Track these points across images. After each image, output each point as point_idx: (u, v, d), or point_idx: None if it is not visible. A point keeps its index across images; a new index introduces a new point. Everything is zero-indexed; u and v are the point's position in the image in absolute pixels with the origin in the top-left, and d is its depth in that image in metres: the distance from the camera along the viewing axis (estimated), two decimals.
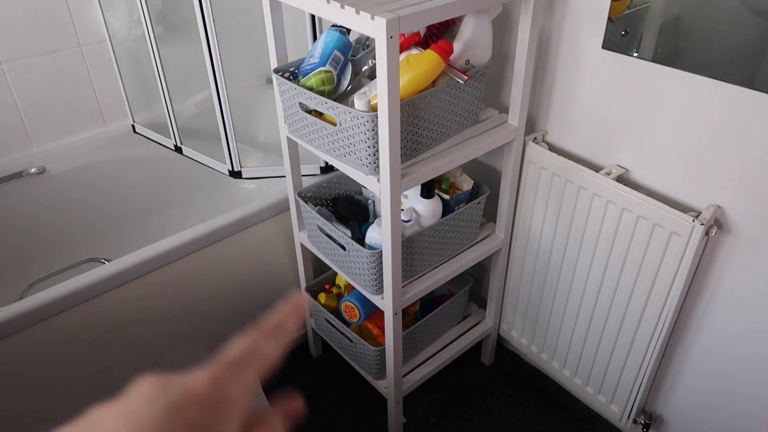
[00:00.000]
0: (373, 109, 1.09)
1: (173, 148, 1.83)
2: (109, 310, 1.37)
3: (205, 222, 1.49)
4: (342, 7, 1.02)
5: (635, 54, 1.17)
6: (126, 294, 1.38)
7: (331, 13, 1.05)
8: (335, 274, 1.68)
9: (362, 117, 1.08)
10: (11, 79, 1.70)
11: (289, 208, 1.60)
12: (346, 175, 1.53)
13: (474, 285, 1.77)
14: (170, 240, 1.43)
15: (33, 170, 1.77)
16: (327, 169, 1.66)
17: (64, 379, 1.35)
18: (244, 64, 1.98)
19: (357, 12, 1.00)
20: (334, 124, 1.16)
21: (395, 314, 1.32)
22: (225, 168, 1.69)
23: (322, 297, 1.60)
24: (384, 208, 1.17)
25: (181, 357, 1.56)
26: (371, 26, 0.98)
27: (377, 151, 1.12)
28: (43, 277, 1.69)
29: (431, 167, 1.19)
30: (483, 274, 1.79)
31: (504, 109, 1.43)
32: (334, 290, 1.64)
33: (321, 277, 1.67)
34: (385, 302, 1.32)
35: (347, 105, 1.12)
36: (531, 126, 1.45)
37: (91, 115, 1.88)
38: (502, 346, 1.84)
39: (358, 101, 1.08)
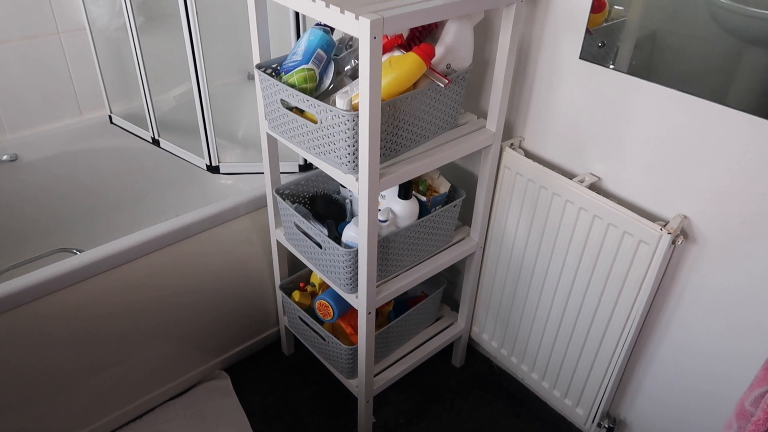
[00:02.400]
0: (354, 108, 1.10)
1: (150, 140, 1.81)
2: (80, 302, 1.35)
3: (180, 216, 1.48)
4: (327, 6, 1.03)
5: (611, 65, 1.21)
6: (97, 286, 1.36)
7: (315, 11, 1.06)
8: (310, 272, 1.68)
9: (343, 116, 1.09)
10: None
11: (265, 205, 1.60)
12: (325, 174, 1.54)
13: (448, 287, 1.79)
14: (144, 233, 1.41)
15: (5, 157, 1.74)
16: (306, 167, 1.66)
17: (30, 371, 1.33)
18: (226, 59, 1.98)
19: (341, 11, 1.01)
20: (315, 122, 1.17)
21: (369, 313, 1.33)
22: (203, 162, 1.68)
23: (296, 295, 1.60)
24: (361, 208, 1.18)
25: (151, 352, 1.55)
26: (355, 26, 0.99)
27: (356, 150, 1.13)
28: (12, 266, 1.66)
29: (409, 168, 1.21)
30: (457, 277, 1.81)
31: (483, 115, 1.45)
32: (309, 288, 1.64)
33: (296, 275, 1.67)
34: (359, 301, 1.33)
35: (329, 103, 1.13)
36: (508, 132, 1.48)
37: (67, 103, 1.86)
38: (473, 349, 1.86)
39: (340, 100, 1.09)
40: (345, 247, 1.29)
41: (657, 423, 1.44)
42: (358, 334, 1.39)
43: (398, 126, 1.18)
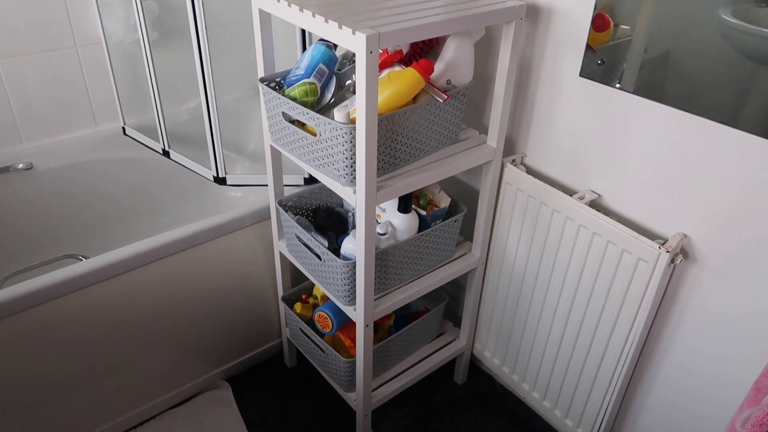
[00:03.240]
0: (353, 121, 1.12)
1: (161, 152, 1.85)
2: (84, 308, 1.38)
3: (186, 225, 1.50)
4: (326, 21, 1.05)
5: (616, 84, 1.21)
6: (101, 292, 1.39)
7: (315, 26, 1.09)
8: (313, 284, 1.69)
9: (341, 129, 1.11)
10: (5, 75, 1.72)
11: (270, 217, 1.62)
12: (328, 187, 1.56)
13: (450, 303, 1.78)
14: (149, 241, 1.44)
15: (20, 166, 1.78)
16: (311, 180, 1.68)
17: (30, 376, 1.35)
18: (237, 74, 2.01)
19: (339, 27, 1.03)
20: (315, 135, 1.19)
21: (366, 326, 1.34)
22: (210, 174, 1.71)
23: (297, 306, 1.61)
24: (359, 220, 1.19)
25: (153, 360, 1.57)
26: (352, 41, 1.01)
27: (354, 163, 1.14)
28: (20, 271, 1.70)
29: (407, 182, 1.22)
30: (460, 293, 1.81)
31: (485, 131, 1.46)
32: (311, 300, 1.65)
33: (299, 287, 1.68)
34: (357, 314, 1.33)
35: (328, 117, 1.15)
36: (510, 148, 1.48)
37: (83, 115, 1.91)
38: (476, 366, 1.85)
39: (338, 113, 1.11)
40: (343, 259, 1.30)
41: None
42: (357, 346, 1.39)
43: (397, 140, 1.20)
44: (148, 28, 1.69)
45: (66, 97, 1.85)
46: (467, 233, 1.56)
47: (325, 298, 1.63)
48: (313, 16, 1.08)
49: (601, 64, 1.22)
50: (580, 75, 1.26)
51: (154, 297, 1.49)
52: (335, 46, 1.30)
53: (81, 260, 1.39)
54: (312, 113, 1.16)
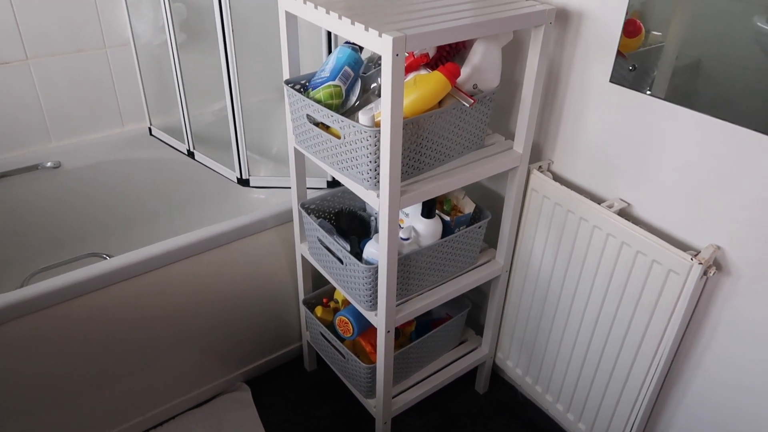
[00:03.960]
0: (377, 124, 1.10)
1: (186, 152, 1.86)
2: (107, 306, 1.38)
3: (209, 226, 1.51)
4: (352, 23, 1.04)
5: (646, 91, 1.17)
6: (124, 291, 1.39)
7: (342, 28, 1.08)
8: (334, 288, 1.68)
9: (365, 131, 1.09)
10: (36, 75, 1.75)
11: (292, 219, 1.62)
12: (351, 190, 1.55)
13: (473, 311, 1.76)
14: (172, 241, 1.44)
15: (49, 164, 1.81)
16: (334, 183, 1.67)
17: (55, 373, 1.36)
18: (263, 77, 2.02)
19: (366, 29, 1.02)
20: (339, 138, 1.18)
21: (388, 332, 1.32)
22: (234, 175, 1.71)
23: (318, 310, 1.60)
24: (382, 224, 1.17)
25: (174, 360, 1.57)
26: (379, 43, 0.99)
27: (378, 166, 1.13)
28: (45, 268, 1.72)
29: (431, 187, 1.20)
30: (482, 300, 1.78)
31: (511, 136, 1.44)
32: (332, 304, 1.64)
33: (320, 291, 1.67)
34: (379, 319, 1.32)
35: (353, 120, 1.14)
36: (537, 154, 1.45)
37: (110, 115, 1.93)
38: (498, 375, 1.82)
39: (363, 116, 1.10)
40: (365, 264, 1.28)
41: None
42: (378, 352, 1.38)
43: (422, 144, 1.18)
44: (176, 30, 1.70)
45: (94, 97, 1.88)
46: (491, 240, 1.54)
47: (346, 302, 1.62)
48: (340, 18, 1.07)
49: (633, 70, 1.18)
50: (611, 81, 1.23)
51: (175, 297, 1.50)
52: (361, 48, 1.29)
53: (105, 259, 1.40)
54: (336, 116, 1.14)
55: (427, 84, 1.14)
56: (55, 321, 1.31)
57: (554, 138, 1.40)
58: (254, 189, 2.14)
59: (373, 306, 1.33)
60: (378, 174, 1.14)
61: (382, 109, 1.04)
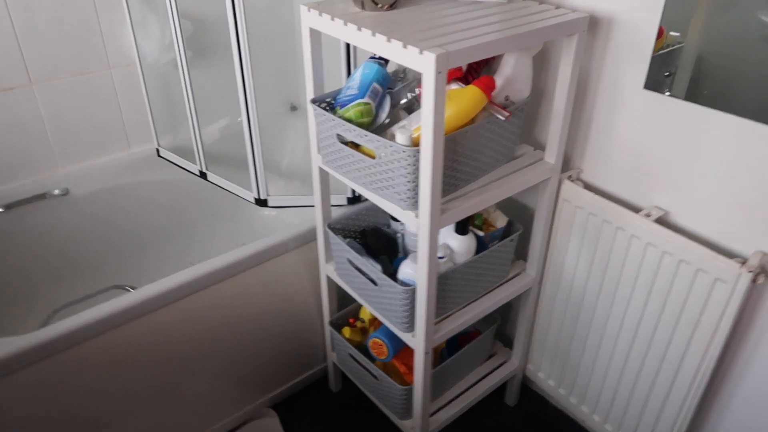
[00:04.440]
0: (414, 143, 1.07)
1: (197, 173, 1.81)
2: (130, 340, 1.33)
3: (231, 251, 1.46)
4: (388, 40, 1.01)
5: (683, 96, 1.15)
6: (148, 323, 1.34)
7: (376, 46, 1.04)
8: (359, 307, 1.64)
9: (404, 151, 1.06)
10: (41, 100, 1.69)
11: (314, 240, 1.58)
12: (375, 207, 1.51)
13: (499, 323, 1.72)
14: (195, 269, 1.40)
15: (56, 192, 1.75)
16: (354, 199, 1.63)
17: (78, 411, 1.31)
18: (268, 90, 1.98)
19: (404, 46, 0.98)
20: (373, 157, 1.14)
21: (426, 353, 1.29)
22: (251, 196, 1.67)
23: (346, 331, 1.56)
24: (421, 245, 1.14)
25: (199, 390, 1.52)
26: (419, 61, 0.96)
27: (417, 186, 1.09)
28: (68, 303, 1.66)
29: (470, 204, 1.17)
30: (509, 312, 1.75)
31: (538, 145, 1.41)
32: (358, 324, 1.60)
33: (345, 311, 1.64)
34: (417, 340, 1.28)
35: (385, 137, 1.10)
36: (565, 164, 1.43)
37: (117, 137, 1.87)
38: (527, 387, 1.79)
39: (400, 135, 1.06)
40: (401, 285, 1.25)
41: None
42: (415, 374, 1.34)
43: (457, 160, 1.15)
44: (185, 47, 1.65)
45: (100, 119, 1.82)
46: (519, 252, 1.51)
47: (373, 321, 1.59)
48: (373, 35, 1.04)
49: (669, 76, 1.16)
50: (645, 87, 1.20)
51: (199, 326, 1.45)
52: (386, 62, 1.26)
53: (128, 291, 1.35)
54: (371, 135, 1.11)
55: (463, 99, 1.11)
56: (77, 360, 1.26)
57: (583, 146, 1.37)
58: (264, 207, 2.10)
59: (410, 327, 1.29)
60: (416, 194, 1.10)
61: (423, 128, 1.00)
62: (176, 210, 1.95)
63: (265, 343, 1.62)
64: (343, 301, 1.66)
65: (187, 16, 1.71)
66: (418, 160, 1.06)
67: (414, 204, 1.12)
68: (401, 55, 1.00)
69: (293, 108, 2.19)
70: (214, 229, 2.02)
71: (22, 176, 1.74)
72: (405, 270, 1.27)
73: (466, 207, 1.16)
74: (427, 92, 0.96)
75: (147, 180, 1.89)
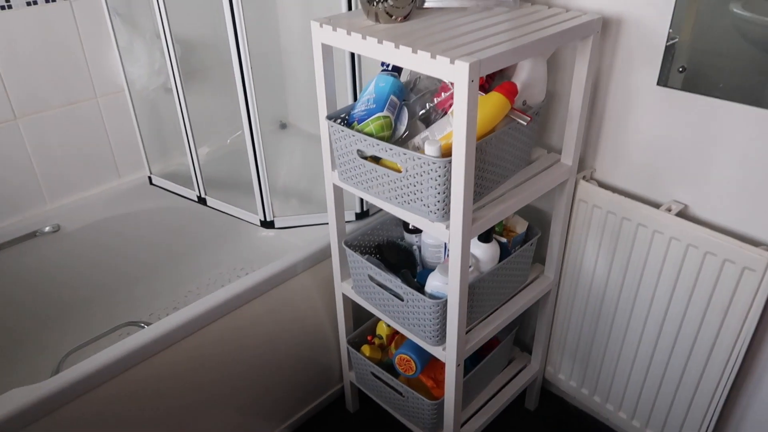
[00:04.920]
0: (444, 153, 1.05)
1: (196, 198, 1.75)
2: (145, 378, 1.27)
3: (243, 277, 1.41)
4: (414, 51, 0.99)
5: (697, 91, 1.17)
6: (161, 360, 1.28)
7: (399, 58, 1.02)
8: (375, 323, 1.61)
9: (434, 163, 1.04)
10: (26, 134, 1.62)
11: (324, 259, 1.54)
12: (388, 221, 1.49)
13: (518, 328, 1.72)
14: (207, 300, 1.34)
15: (47, 229, 1.67)
16: (362, 215, 1.61)
17: None
18: (258, 110, 1.95)
19: (433, 56, 0.97)
20: (399, 171, 1.12)
21: (458, 365, 1.26)
22: (256, 218, 1.62)
23: (366, 349, 1.53)
24: (453, 256, 1.12)
25: (215, 425, 1.46)
26: (450, 70, 0.95)
27: (447, 197, 1.07)
28: (80, 346, 1.57)
29: (498, 210, 1.16)
30: (523, 317, 1.74)
31: (550, 148, 1.42)
32: (376, 341, 1.57)
33: (361, 328, 1.60)
34: (448, 353, 1.26)
35: (410, 150, 1.08)
36: (579, 164, 1.43)
37: (106, 168, 1.80)
38: (546, 390, 1.78)
39: (429, 147, 1.05)
40: (430, 298, 1.23)
41: None
42: (446, 386, 1.32)
43: (483, 168, 1.14)
44: (180, 70, 1.60)
45: (88, 150, 1.75)
46: (536, 255, 1.50)
47: (392, 336, 1.56)
48: (397, 47, 1.02)
49: (683, 71, 1.18)
50: (658, 84, 1.22)
51: (212, 358, 1.39)
52: (399, 75, 1.24)
53: (143, 327, 1.29)
54: (397, 148, 1.09)
55: (487, 106, 1.10)
56: (99, 403, 1.19)
57: (595, 146, 1.38)
58: (262, 227, 2.05)
59: (441, 341, 1.27)
60: (446, 205, 1.09)
61: (456, 137, 0.99)
62: (174, 238, 1.89)
63: (281, 371, 1.57)
64: (358, 319, 1.63)
65: (175, 39, 1.66)
66: (448, 171, 1.04)
67: (444, 215, 1.10)
68: (428, 65, 0.98)
69: (283, 126, 2.16)
70: (215, 255, 1.96)
71: (10, 215, 1.65)
72: (433, 283, 1.25)
73: (494, 214, 1.15)
74: (460, 101, 0.95)
75: (141, 209, 1.83)
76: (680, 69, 1.18)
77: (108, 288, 1.80)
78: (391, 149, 1.10)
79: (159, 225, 1.86)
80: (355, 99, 1.49)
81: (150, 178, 1.85)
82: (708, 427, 1.34)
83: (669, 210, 1.26)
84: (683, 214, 1.28)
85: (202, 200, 1.74)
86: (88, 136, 1.73)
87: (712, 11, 1.10)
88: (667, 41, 1.17)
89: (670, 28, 1.15)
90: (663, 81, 1.21)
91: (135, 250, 1.83)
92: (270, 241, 2.01)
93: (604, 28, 1.24)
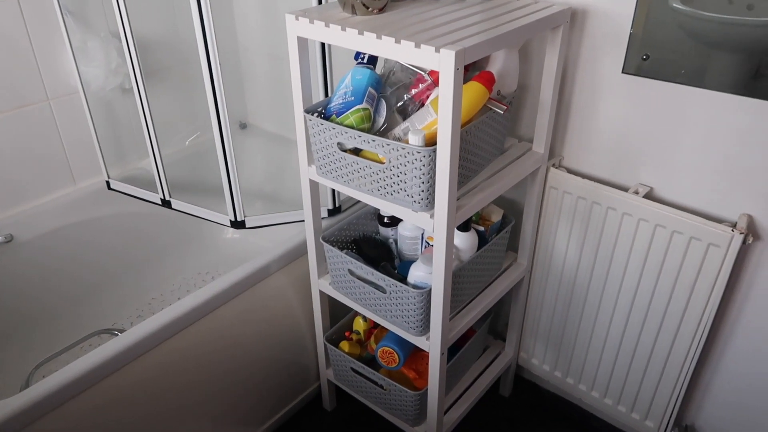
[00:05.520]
0: (427, 143, 1.07)
1: (159, 202, 1.70)
2: (118, 388, 1.22)
3: (219, 278, 1.38)
4: (397, 41, 1.00)
5: (660, 77, 1.23)
6: (135, 369, 1.23)
7: (382, 48, 1.03)
8: (351, 320, 1.61)
9: (418, 152, 1.05)
10: None
11: (299, 257, 1.53)
12: (362, 216, 1.49)
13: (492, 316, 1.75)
14: (180, 304, 1.30)
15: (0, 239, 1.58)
16: (334, 210, 1.60)
17: None
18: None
19: (417, 46, 0.97)
20: (381, 162, 1.12)
21: (442, 354, 1.28)
22: (225, 219, 1.59)
23: (345, 345, 1.52)
24: (438, 245, 1.13)
25: (190, 429, 1.42)
26: (435, 59, 0.96)
27: (431, 186, 1.09)
28: (48, 358, 1.49)
29: (478, 199, 1.18)
30: (497, 305, 1.77)
31: (520, 137, 1.45)
32: (354, 336, 1.57)
33: (338, 325, 1.59)
34: (432, 342, 1.27)
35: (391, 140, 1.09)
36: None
37: (60, 174, 1.72)
38: (518, 376, 1.82)
39: (414, 136, 1.05)
40: (414, 288, 1.23)
41: (727, 427, 1.43)
42: (430, 376, 1.33)
43: (463, 157, 1.15)
44: (142, 68, 1.54)
45: (40, 156, 1.67)
46: (509, 243, 1.54)
47: (369, 332, 1.55)
48: (379, 38, 1.02)
49: (646, 59, 1.23)
50: (623, 72, 1.27)
51: (186, 365, 1.34)
52: (374, 68, 1.24)
53: (116, 335, 1.24)
54: (380, 139, 1.09)
55: (467, 95, 1.11)
56: (68, 417, 1.14)
57: (563, 134, 1.42)
58: (225, 228, 2.01)
59: (424, 330, 1.28)
60: (430, 194, 1.10)
61: (441, 125, 1.00)
62: (136, 244, 1.82)
63: (256, 374, 1.54)
64: (334, 316, 1.62)
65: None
66: (433, 160, 1.05)
67: (428, 205, 1.11)
68: (412, 54, 0.99)
69: (243, 126, 2.12)
70: (179, 260, 1.91)
71: None
72: (416, 273, 1.26)
73: (475, 202, 1.17)
74: (446, 89, 0.96)
75: (100, 215, 1.75)
76: (644, 57, 1.24)
77: (70, 298, 1.72)
78: (373, 140, 1.10)
79: (119, 231, 1.79)
80: (327, 94, 1.48)
81: (108, 182, 1.78)
82: (677, 401, 1.40)
83: (637, 192, 1.32)
84: (650, 196, 1.34)
85: (166, 203, 1.68)
86: (40, 141, 1.65)
87: (658, 5, 1.17)
88: (631, 30, 1.22)
89: (633, 18, 1.21)
90: (628, 69, 1.26)
91: (96, 258, 1.75)
92: (236, 243, 1.97)
93: (572, 18, 1.29)
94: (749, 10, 1.08)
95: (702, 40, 1.15)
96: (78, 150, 1.74)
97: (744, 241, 1.18)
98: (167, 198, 1.67)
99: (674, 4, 1.15)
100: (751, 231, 1.23)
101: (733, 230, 1.18)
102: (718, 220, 1.23)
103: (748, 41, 1.11)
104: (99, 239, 1.76)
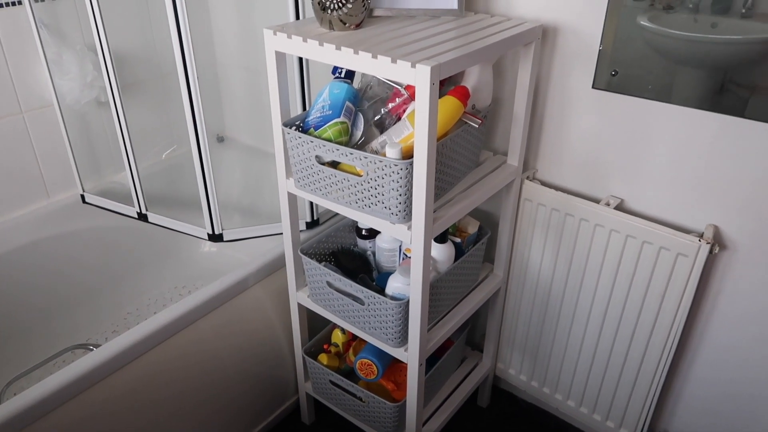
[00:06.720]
0: (404, 156, 1.08)
1: (135, 215, 1.69)
2: (91, 406, 1.20)
3: (197, 292, 1.38)
4: (374, 57, 1.02)
5: (629, 93, 1.26)
6: (109, 385, 1.21)
7: (359, 63, 1.04)
8: (330, 332, 1.61)
9: (396, 165, 1.07)
10: None
11: (276, 270, 1.53)
12: (340, 229, 1.50)
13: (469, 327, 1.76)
14: (160, 317, 1.29)
15: None
16: (312, 223, 1.61)
17: None
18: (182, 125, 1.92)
19: (393, 61, 0.99)
20: (359, 175, 1.14)
21: (420, 365, 1.29)
22: (202, 232, 1.58)
23: (323, 358, 1.52)
24: (415, 256, 1.15)
25: None
26: (411, 74, 0.98)
27: (408, 198, 1.10)
28: (23, 373, 1.45)
29: (455, 210, 1.20)
30: (473, 317, 1.79)
31: (495, 150, 1.48)
32: (333, 349, 1.57)
33: (316, 338, 1.59)
34: (410, 354, 1.28)
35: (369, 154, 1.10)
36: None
37: (34, 187, 1.70)
38: (495, 386, 1.84)
39: (391, 150, 1.07)
40: (392, 300, 1.24)
41: (700, 426, 1.47)
42: (408, 387, 1.33)
43: (440, 170, 1.18)
44: (118, 81, 1.54)
45: (12, 169, 1.65)
46: (485, 255, 1.56)
47: (348, 344, 1.56)
48: (356, 53, 1.04)
49: (615, 75, 1.27)
50: (593, 87, 1.31)
51: (162, 380, 1.33)
52: (351, 82, 1.26)
53: (91, 349, 1.22)
54: (358, 152, 1.11)
55: (442, 109, 1.13)
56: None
57: (536, 147, 1.46)
58: (203, 242, 2.00)
59: (403, 341, 1.29)
60: (407, 206, 1.11)
61: (418, 138, 1.02)
62: (111, 258, 1.80)
63: (234, 388, 1.53)
64: (312, 329, 1.62)
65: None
66: (410, 173, 1.07)
67: (405, 217, 1.13)
68: (388, 69, 1.01)
69: (220, 139, 2.12)
70: (155, 274, 1.89)
71: None
72: (394, 284, 1.27)
73: (452, 214, 1.19)
74: (422, 103, 0.98)
75: (74, 229, 1.73)
76: (613, 73, 1.27)
77: (44, 313, 1.69)
78: (351, 153, 1.12)
79: (94, 245, 1.77)
80: (304, 108, 1.50)
81: (83, 196, 1.76)
82: (650, 409, 1.43)
83: (608, 204, 1.35)
84: (621, 208, 1.38)
85: (143, 216, 1.67)
86: (13, 154, 1.63)
87: (626, 23, 1.21)
88: (600, 47, 1.26)
89: (602, 35, 1.25)
90: (598, 84, 1.30)
91: (70, 273, 1.73)
92: (213, 257, 1.96)
93: (543, 35, 1.32)
94: (713, 28, 1.13)
95: (669, 57, 1.19)
96: (52, 163, 1.72)
97: (711, 251, 1.22)
98: (144, 211, 1.66)
99: (641, 22, 1.20)
100: (718, 241, 1.27)
101: (700, 240, 1.21)
102: (686, 231, 1.27)
103: (712, 58, 1.15)
104: (73, 253, 1.73)
